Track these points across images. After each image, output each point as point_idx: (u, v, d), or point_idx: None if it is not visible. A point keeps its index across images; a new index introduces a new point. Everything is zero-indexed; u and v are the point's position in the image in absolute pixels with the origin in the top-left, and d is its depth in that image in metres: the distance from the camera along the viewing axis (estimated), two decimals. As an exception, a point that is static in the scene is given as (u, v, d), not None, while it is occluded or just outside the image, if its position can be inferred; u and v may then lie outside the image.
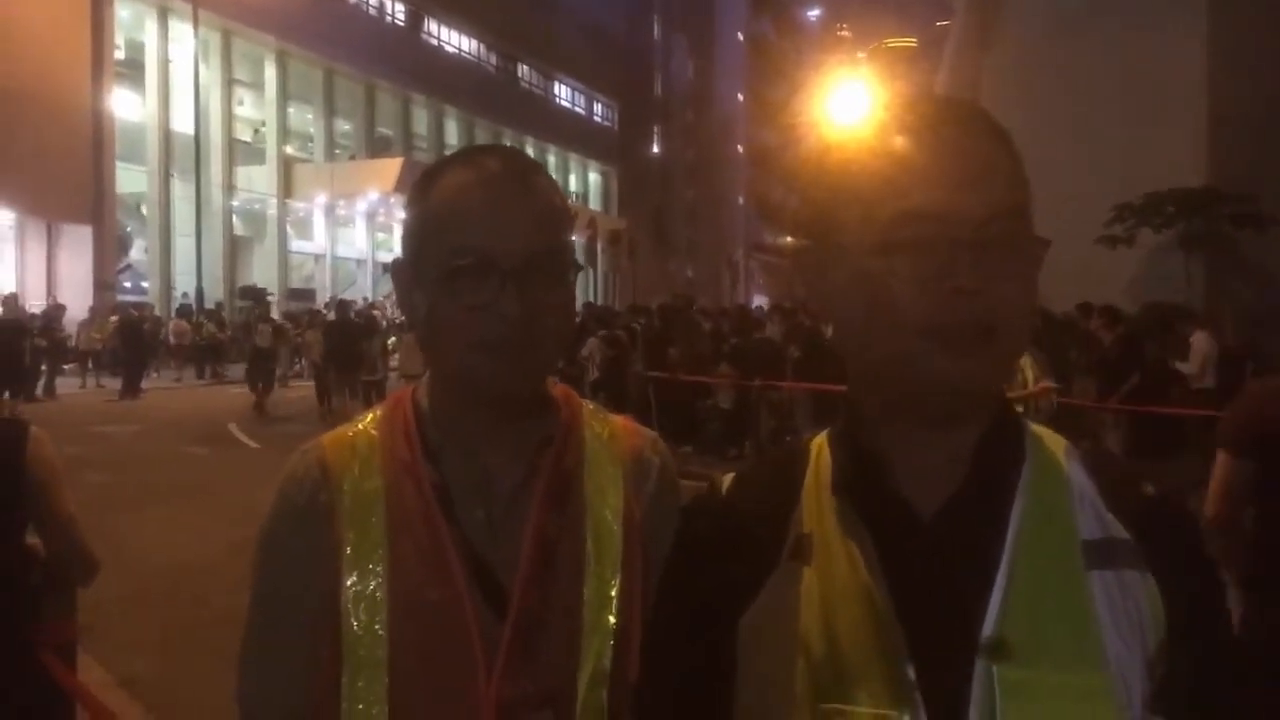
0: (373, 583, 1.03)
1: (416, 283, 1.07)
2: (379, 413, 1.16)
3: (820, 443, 0.94)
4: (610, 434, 1.17)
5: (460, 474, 1.08)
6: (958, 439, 0.85)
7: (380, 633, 1.02)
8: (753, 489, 0.96)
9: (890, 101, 0.88)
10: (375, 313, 22.54)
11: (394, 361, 16.96)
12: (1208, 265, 18.91)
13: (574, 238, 1.18)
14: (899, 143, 0.83)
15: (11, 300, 15.53)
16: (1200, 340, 10.14)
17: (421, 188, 1.09)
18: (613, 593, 1.07)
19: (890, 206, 0.81)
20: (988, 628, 0.78)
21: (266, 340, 17.07)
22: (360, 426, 1.14)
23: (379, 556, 1.04)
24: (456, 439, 1.09)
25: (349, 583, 1.04)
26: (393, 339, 18.97)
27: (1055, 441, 0.89)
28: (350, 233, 37.77)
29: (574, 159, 52.39)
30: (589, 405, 1.20)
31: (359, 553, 1.05)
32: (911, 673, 0.78)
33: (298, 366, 21.11)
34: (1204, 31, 20.63)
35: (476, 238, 1.02)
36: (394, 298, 1.19)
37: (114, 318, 20.67)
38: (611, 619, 1.06)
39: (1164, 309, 11.63)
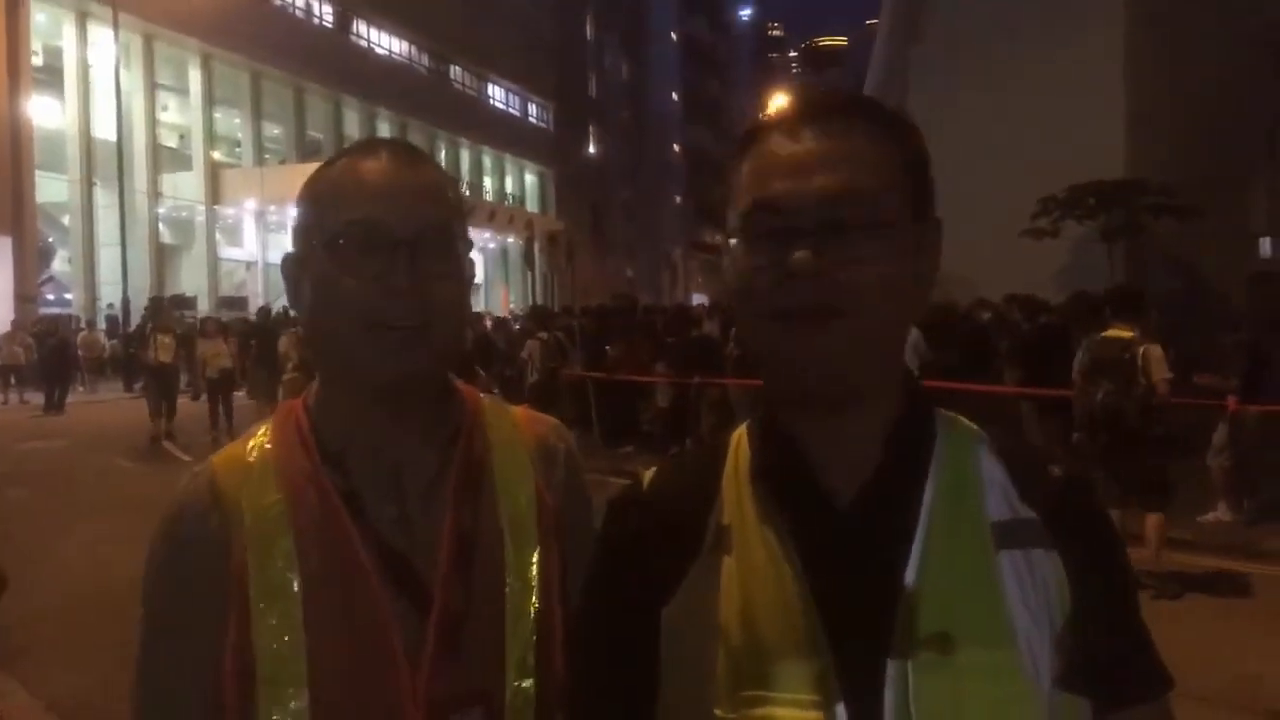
0: (284, 600, 1.00)
1: (305, 266, 1.05)
2: (269, 426, 1.11)
3: (740, 434, 0.96)
4: (513, 423, 1.17)
5: (368, 475, 1.05)
6: (865, 426, 0.87)
7: (297, 648, 0.98)
8: (674, 482, 0.97)
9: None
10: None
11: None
12: (1129, 255, 19.47)
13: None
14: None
15: None
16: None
17: (310, 182, 1.09)
18: (533, 580, 1.07)
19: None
20: (902, 609, 0.80)
21: (168, 354, 14.46)
22: (251, 443, 1.09)
23: (289, 572, 1.00)
24: (359, 440, 1.06)
25: (257, 601, 1.00)
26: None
27: (965, 428, 0.92)
28: (282, 238, 37.01)
29: (509, 160, 52.11)
30: (485, 397, 1.19)
31: (266, 572, 1.00)
32: (829, 657, 0.80)
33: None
34: (1122, 28, 21.24)
35: (368, 208, 1.01)
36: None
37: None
38: (533, 604, 1.06)
39: (1093, 298, 11.95)
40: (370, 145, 1.08)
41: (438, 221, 1.04)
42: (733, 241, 0.88)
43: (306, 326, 1.08)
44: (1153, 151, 19.51)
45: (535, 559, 1.08)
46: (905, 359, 0.94)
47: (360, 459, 1.06)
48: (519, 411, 1.21)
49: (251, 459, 1.07)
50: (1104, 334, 6.31)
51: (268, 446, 1.08)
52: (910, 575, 0.81)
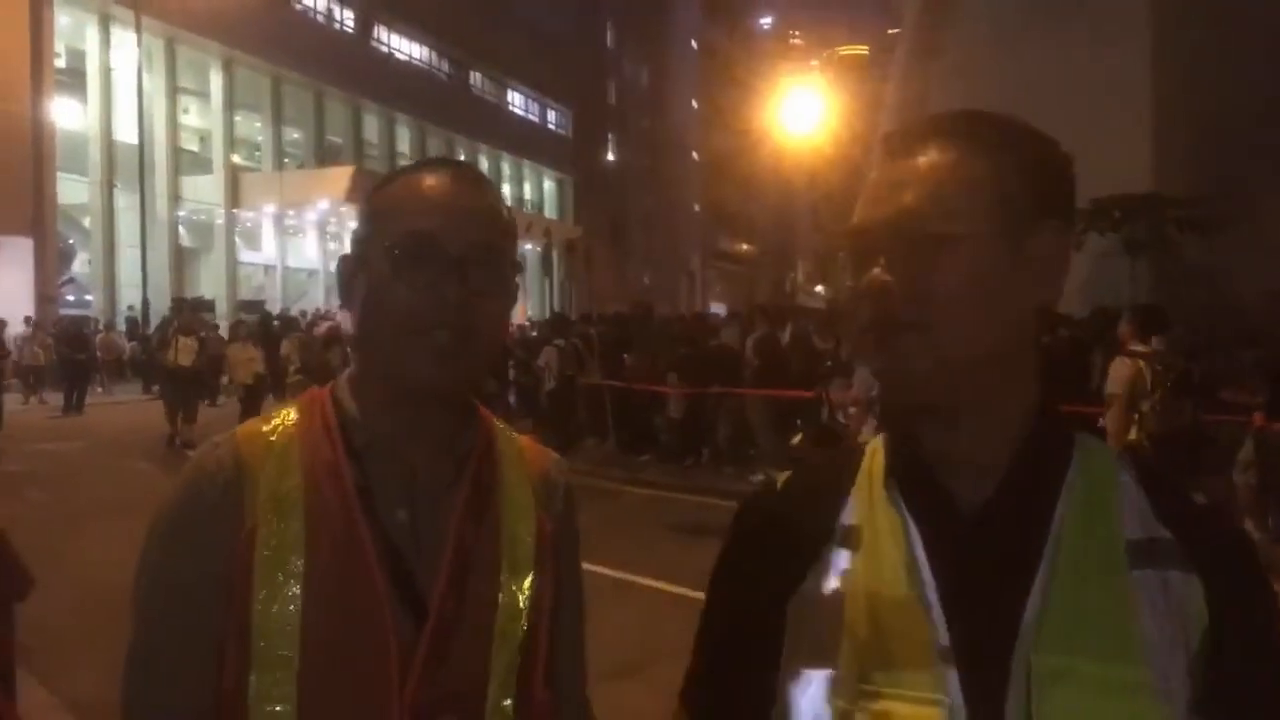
0: (288, 582, 1.02)
1: (361, 270, 1.10)
2: (294, 410, 1.14)
3: (877, 443, 0.99)
4: (519, 452, 1.22)
5: (384, 474, 1.09)
6: (985, 439, 0.89)
7: (292, 632, 1.01)
8: (806, 481, 1.03)
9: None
10: (328, 322, 22.27)
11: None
12: (1153, 269, 19.32)
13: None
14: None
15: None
16: (1150, 344, 10.34)
17: (377, 186, 1.15)
18: (523, 603, 1.11)
19: None
20: (1028, 619, 0.82)
21: (189, 358, 13.83)
22: (275, 423, 1.12)
23: (295, 556, 1.03)
24: (381, 439, 1.10)
25: (260, 581, 1.02)
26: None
27: (1103, 450, 0.93)
28: (301, 243, 37.29)
29: (528, 167, 52.26)
30: (498, 423, 1.23)
31: (275, 551, 1.03)
32: (951, 659, 0.82)
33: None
34: (1147, 39, 21.15)
35: (427, 222, 1.06)
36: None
37: (39, 332, 19.83)
38: (521, 628, 1.10)
39: (1112, 313, 11.86)
40: (436, 164, 1.14)
41: (490, 242, 1.09)
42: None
43: (356, 325, 1.12)
44: (1177, 164, 19.39)
45: (528, 585, 1.12)
46: (1031, 377, 0.94)
47: (380, 458, 1.09)
48: (525, 441, 1.26)
49: (274, 438, 1.10)
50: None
51: (293, 430, 1.11)
52: (1037, 587, 0.83)
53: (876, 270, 0.87)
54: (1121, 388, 6.00)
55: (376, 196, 1.13)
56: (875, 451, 0.98)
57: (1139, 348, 6.19)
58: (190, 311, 17.93)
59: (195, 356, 13.99)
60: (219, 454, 1.09)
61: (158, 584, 1.08)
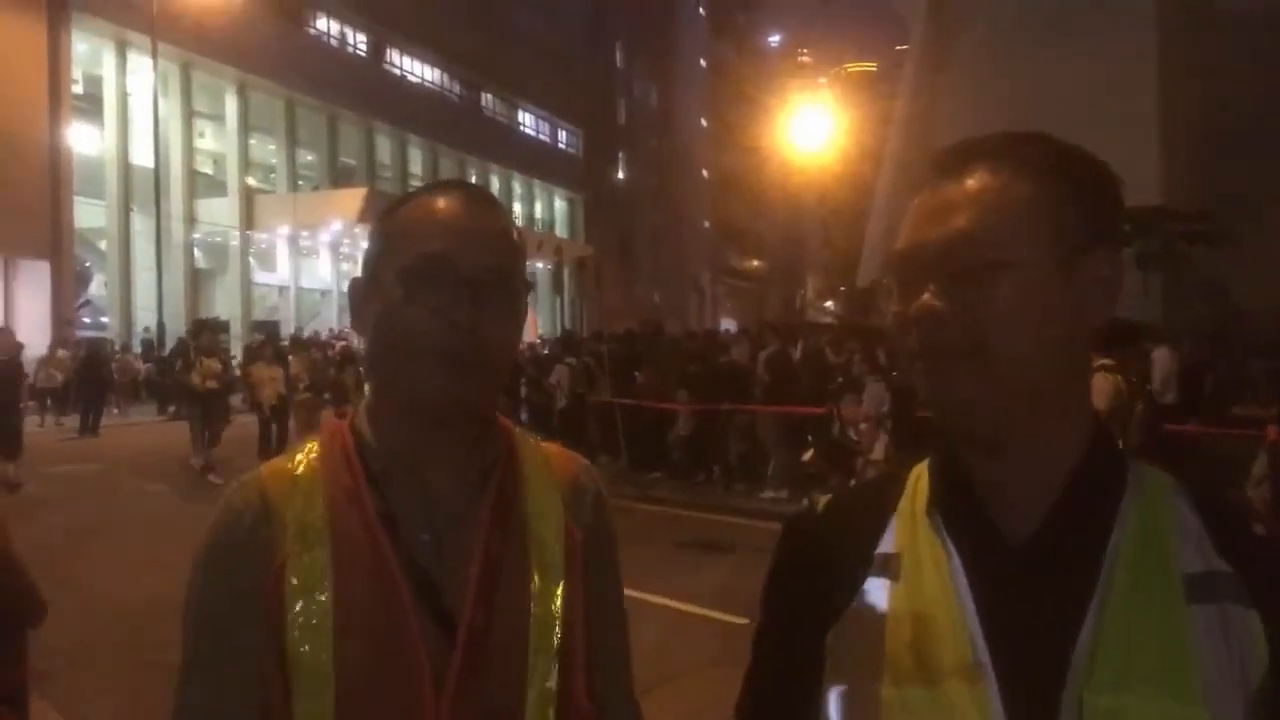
0: (319, 613, 1.03)
1: (373, 292, 1.10)
2: (317, 443, 1.15)
3: (921, 469, 0.97)
4: (545, 460, 1.20)
5: (405, 497, 1.09)
6: (1037, 468, 0.86)
7: (326, 660, 1.02)
8: (848, 508, 1.01)
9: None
10: (342, 342, 22.36)
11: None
12: (1164, 282, 19.22)
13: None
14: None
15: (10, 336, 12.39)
16: (1162, 356, 10.31)
17: (388, 209, 1.16)
18: (557, 612, 1.09)
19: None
20: (1079, 653, 0.79)
21: (214, 380, 13.38)
22: (299, 457, 1.13)
23: (325, 586, 1.04)
24: (399, 461, 1.10)
25: (294, 613, 1.03)
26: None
27: (1160, 476, 0.90)
28: (314, 263, 37.50)
29: (539, 186, 52.45)
30: (520, 432, 1.22)
31: (305, 584, 1.04)
32: (999, 695, 0.80)
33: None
34: (1155, 52, 21.10)
35: (439, 244, 1.07)
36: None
37: (61, 351, 19.80)
38: (557, 639, 1.09)
39: (1125, 325, 11.82)
40: (448, 186, 1.15)
41: (501, 264, 1.09)
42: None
43: (367, 347, 1.13)
44: (1185, 177, 19.31)
45: (560, 592, 1.10)
46: (1090, 404, 0.92)
47: (399, 480, 1.09)
48: (551, 448, 1.24)
49: (299, 473, 1.11)
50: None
51: (315, 462, 1.12)
52: (1090, 620, 0.81)
53: (927, 296, 0.85)
54: (1106, 402, 5.99)
55: (388, 219, 1.14)
56: (919, 478, 0.96)
57: (1106, 361, 6.16)
58: (210, 333, 17.83)
59: (219, 378, 13.69)
60: (245, 493, 1.10)
61: (198, 624, 1.09)
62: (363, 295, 1.12)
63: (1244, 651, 0.79)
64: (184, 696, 1.08)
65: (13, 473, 11.57)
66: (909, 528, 0.92)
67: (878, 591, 0.90)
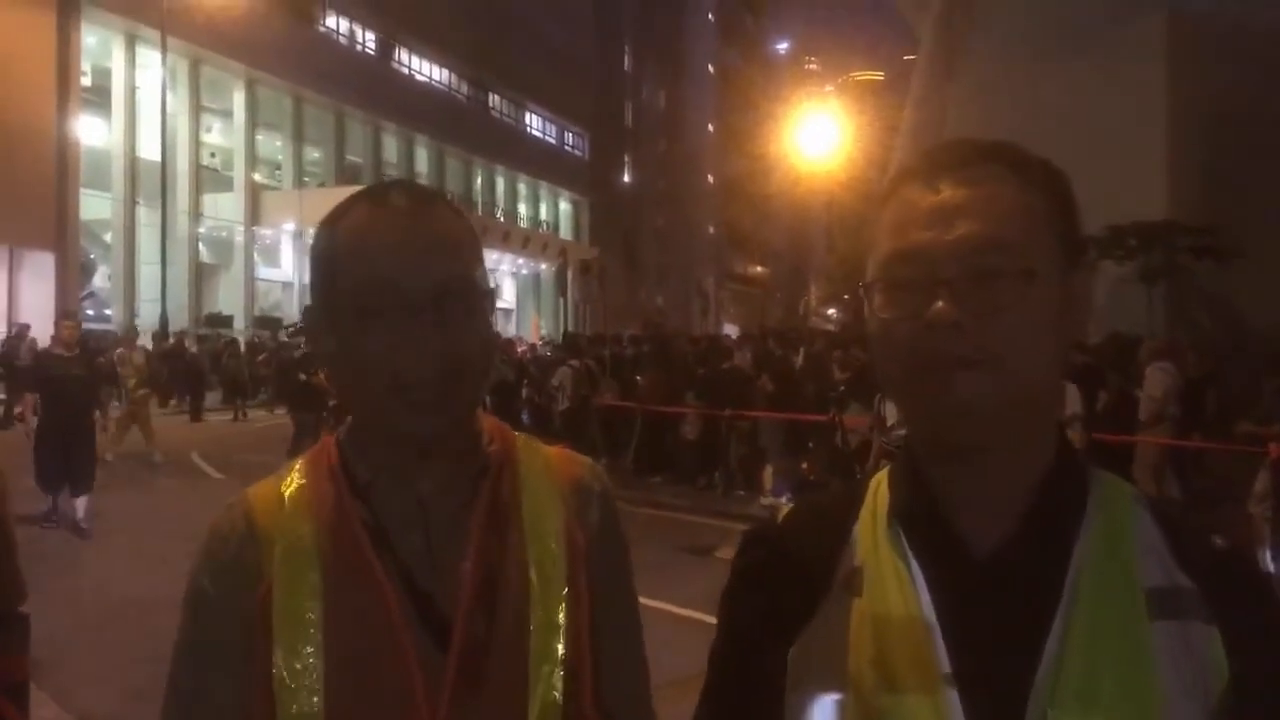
0: (309, 630, 1.01)
1: (328, 325, 1.02)
2: (305, 460, 1.12)
3: (880, 479, 0.95)
4: (545, 463, 1.15)
5: (394, 505, 1.05)
6: (1009, 478, 0.85)
7: (317, 678, 0.99)
8: (807, 520, 0.98)
9: None
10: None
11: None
12: (1169, 297, 19.21)
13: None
14: None
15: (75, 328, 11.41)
16: (1164, 370, 10.27)
17: (325, 230, 1.05)
18: (560, 620, 1.05)
19: None
20: (1044, 670, 0.78)
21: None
22: (287, 477, 1.10)
23: (314, 603, 1.01)
24: (386, 473, 1.06)
25: (281, 634, 1.01)
26: None
27: (1121, 487, 0.89)
28: (319, 260, 37.51)
29: (545, 188, 52.51)
30: (520, 436, 1.17)
31: (293, 601, 1.01)
32: (962, 712, 0.79)
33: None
34: (1163, 67, 21.12)
35: (385, 270, 0.98)
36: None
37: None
38: (560, 647, 1.04)
39: (1126, 339, 11.82)
40: (379, 194, 1.05)
41: (451, 274, 1.01)
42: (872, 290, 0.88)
43: (332, 379, 1.07)
44: (1193, 191, 19.32)
45: (563, 597, 1.06)
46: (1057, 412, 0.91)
47: (387, 492, 1.06)
48: (554, 451, 1.19)
49: (286, 492, 1.08)
50: None
51: (302, 480, 1.09)
52: (1054, 638, 0.79)
53: (942, 304, 0.81)
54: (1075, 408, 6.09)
55: (328, 240, 1.03)
56: (879, 486, 0.94)
57: None
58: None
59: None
60: (232, 516, 1.08)
61: (184, 648, 1.07)
62: (318, 324, 1.04)
63: (1205, 668, 0.79)
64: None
65: (82, 511, 8.87)
66: (870, 539, 0.89)
67: (840, 605, 0.87)
